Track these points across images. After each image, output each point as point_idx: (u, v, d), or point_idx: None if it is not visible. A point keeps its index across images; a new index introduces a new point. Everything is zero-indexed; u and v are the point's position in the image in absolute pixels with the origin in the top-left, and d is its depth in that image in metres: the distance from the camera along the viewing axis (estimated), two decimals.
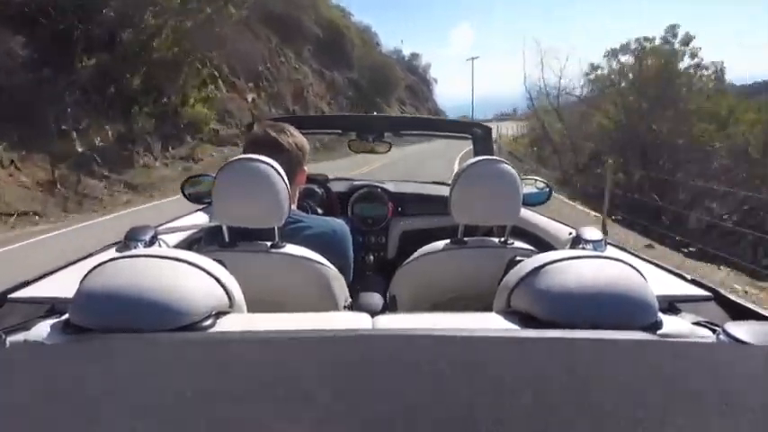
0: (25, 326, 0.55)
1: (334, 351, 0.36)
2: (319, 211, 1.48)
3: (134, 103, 9.53)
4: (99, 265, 0.54)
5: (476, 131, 1.65)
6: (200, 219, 1.27)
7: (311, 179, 1.53)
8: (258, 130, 1.03)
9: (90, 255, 0.91)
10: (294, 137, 1.04)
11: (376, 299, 1.30)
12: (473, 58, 43.96)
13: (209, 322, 0.53)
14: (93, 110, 8.87)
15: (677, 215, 7.04)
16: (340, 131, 1.90)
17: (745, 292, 3.95)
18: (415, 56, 40.76)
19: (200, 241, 1.07)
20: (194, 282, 0.54)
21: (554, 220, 1.34)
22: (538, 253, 0.65)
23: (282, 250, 0.90)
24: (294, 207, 1.03)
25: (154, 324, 0.48)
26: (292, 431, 0.25)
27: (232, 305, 0.59)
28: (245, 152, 0.97)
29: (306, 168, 1.08)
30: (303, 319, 0.59)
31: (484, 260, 1.01)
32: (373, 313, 0.59)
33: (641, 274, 0.56)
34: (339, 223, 1.07)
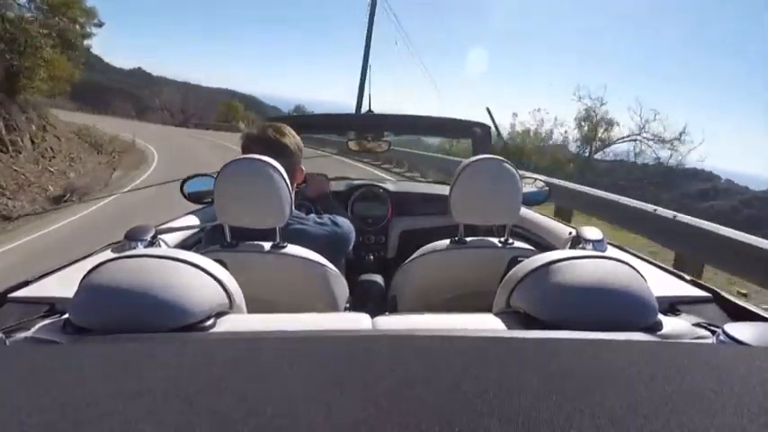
0: (25, 326, 0.55)
1: (334, 351, 0.36)
2: (334, 206, 1.48)
3: None
4: (99, 264, 0.54)
5: (475, 131, 1.65)
6: (200, 219, 1.27)
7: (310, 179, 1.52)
8: (257, 130, 1.03)
9: (90, 254, 0.91)
10: (293, 137, 1.04)
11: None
12: None
13: (209, 322, 0.53)
14: None
15: None
16: (338, 132, 1.89)
17: None
18: None
19: (200, 241, 1.07)
20: (194, 282, 0.54)
21: (554, 219, 1.34)
22: (538, 253, 0.65)
23: (283, 251, 0.89)
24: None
25: (154, 324, 0.48)
26: (292, 431, 0.25)
27: (232, 305, 0.58)
28: (243, 152, 0.97)
29: (303, 168, 1.08)
30: (303, 320, 0.59)
31: (484, 260, 1.00)
32: (373, 313, 0.59)
33: (641, 275, 0.56)
34: (339, 223, 1.06)
